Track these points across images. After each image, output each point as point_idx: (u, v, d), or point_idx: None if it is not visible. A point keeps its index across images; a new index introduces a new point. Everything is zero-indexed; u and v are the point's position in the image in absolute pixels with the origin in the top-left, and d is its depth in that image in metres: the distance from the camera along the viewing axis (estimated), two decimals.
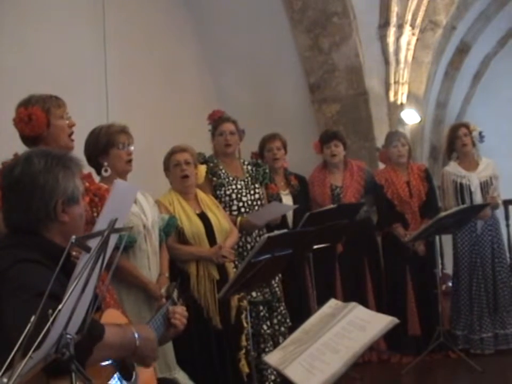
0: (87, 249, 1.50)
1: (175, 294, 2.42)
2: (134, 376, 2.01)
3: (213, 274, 3.82)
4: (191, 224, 3.85)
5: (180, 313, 2.30)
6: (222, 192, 4.30)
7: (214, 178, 4.31)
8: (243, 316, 3.86)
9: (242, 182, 4.39)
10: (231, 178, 4.35)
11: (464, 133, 5.16)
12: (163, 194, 3.98)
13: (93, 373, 1.66)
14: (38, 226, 1.92)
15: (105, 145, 3.33)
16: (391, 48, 6.13)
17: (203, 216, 3.93)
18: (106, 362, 1.87)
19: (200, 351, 3.72)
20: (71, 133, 2.84)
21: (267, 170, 4.60)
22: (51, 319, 1.40)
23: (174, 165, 3.95)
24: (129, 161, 3.37)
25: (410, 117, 6.33)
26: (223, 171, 4.36)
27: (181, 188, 3.96)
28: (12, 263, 1.79)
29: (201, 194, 4.06)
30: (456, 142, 5.19)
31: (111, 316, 2.01)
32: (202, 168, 4.11)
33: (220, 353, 3.78)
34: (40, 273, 1.74)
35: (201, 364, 3.71)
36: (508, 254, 5.75)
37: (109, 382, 1.87)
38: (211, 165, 4.33)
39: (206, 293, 3.76)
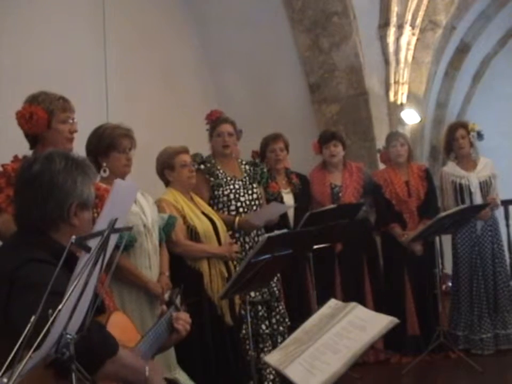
0: (87, 249, 1.50)
1: (178, 300, 2.42)
2: None
3: (224, 272, 3.85)
4: (201, 222, 3.86)
5: (183, 319, 2.30)
6: (220, 192, 4.29)
7: (212, 179, 4.30)
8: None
9: (240, 182, 4.37)
10: (229, 178, 4.34)
11: (461, 135, 5.11)
12: (164, 193, 3.94)
13: None
14: (49, 225, 1.92)
15: (107, 147, 3.32)
16: (391, 48, 6.13)
17: (206, 216, 3.94)
18: None
19: (215, 347, 3.73)
20: (71, 138, 2.83)
21: (265, 170, 4.58)
22: (51, 319, 1.41)
23: (181, 165, 3.92)
24: (128, 165, 3.37)
25: (410, 117, 6.34)
26: (221, 171, 4.34)
27: (186, 188, 3.95)
28: (22, 262, 1.80)
29: (195, 196, 4.07)
30: (454, 144, 5.17)
31: (117, 320, 2.00)
32: None
33: (234, 349, 3.82)
34: (49, 273, 1.74)
35: (216, 359, 3.73)
36: (507, 254, 5.75)
37: None
38: (208, 165, 4.33)
39: (218, 291, 3.75)
